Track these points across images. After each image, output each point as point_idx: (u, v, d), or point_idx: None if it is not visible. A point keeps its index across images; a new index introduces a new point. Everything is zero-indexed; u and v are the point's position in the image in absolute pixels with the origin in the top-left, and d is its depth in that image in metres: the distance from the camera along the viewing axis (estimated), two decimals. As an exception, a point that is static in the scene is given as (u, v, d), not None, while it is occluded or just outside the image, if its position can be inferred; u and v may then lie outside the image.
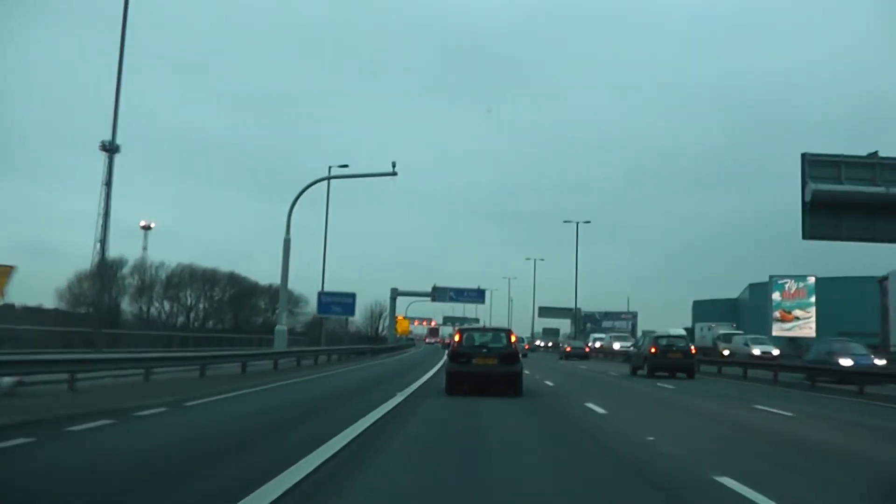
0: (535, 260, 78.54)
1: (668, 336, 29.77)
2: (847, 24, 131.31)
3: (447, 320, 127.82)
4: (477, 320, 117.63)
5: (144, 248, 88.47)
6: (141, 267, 76.51)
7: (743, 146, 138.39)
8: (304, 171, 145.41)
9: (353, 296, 38.60)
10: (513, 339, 16.60)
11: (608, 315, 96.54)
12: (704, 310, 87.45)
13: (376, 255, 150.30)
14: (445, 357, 20.01)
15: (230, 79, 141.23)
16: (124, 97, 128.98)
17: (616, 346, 51.69)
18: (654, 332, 31.72)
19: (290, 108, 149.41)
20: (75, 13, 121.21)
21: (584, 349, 53.52)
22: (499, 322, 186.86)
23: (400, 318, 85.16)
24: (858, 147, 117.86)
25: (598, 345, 55.75)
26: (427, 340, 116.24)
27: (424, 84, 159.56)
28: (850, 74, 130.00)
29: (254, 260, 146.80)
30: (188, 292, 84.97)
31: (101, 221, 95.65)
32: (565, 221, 69.44)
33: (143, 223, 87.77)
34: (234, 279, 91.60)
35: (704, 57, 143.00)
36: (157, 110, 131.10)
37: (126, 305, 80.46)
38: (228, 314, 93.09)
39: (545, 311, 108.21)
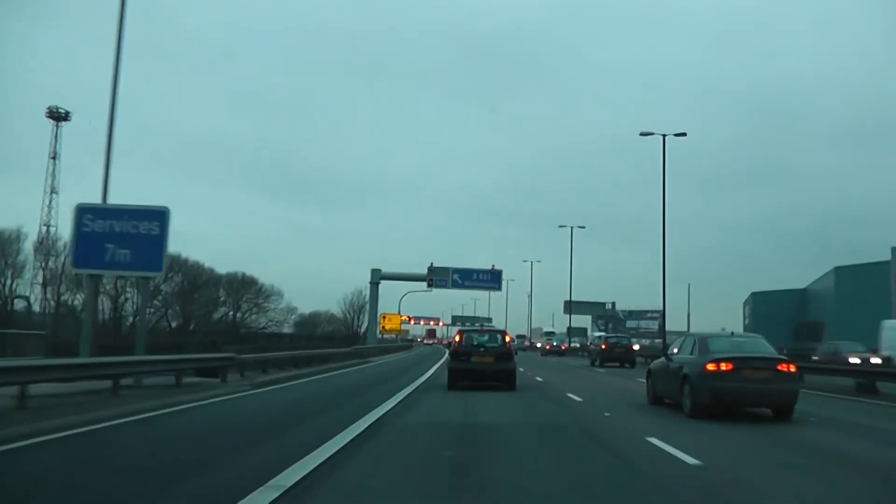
0: (571, 228, 57.04)
1: (616, 336, 41.56)
2: (868, 21, 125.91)
3: (456, 320, 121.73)
4: (489, 320, 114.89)
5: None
6: (43, 244, 56.92)
7: (761, 145, 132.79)
8: (309, 170, 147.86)
9: (161, 216, 14.93)
10: (507, 339, 18.97)
11: (633, 314, 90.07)
12: (766, 303, 74.36)
13: (382, 256, 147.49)
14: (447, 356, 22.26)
15: (233, 78, 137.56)
16: (131, 96, 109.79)
17: (576, 344, 67.43)
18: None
19: (295, 108, 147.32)
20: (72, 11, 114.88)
21: (561, 347, 64.83)
22: (518, 320, 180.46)
23: (390, 315, 64.80)
24: (876, 144, 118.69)
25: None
26: (425, 342, 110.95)
27: (434, 84, 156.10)
28: (869, 72, 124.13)
29: (250, 259, 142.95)
30: (117, 280, 65.31)
31: (47, 200, 78.22)
32: (643, 133, 35.76)
33: None
34: (178, 265, 72.31)
35: (721, 55, 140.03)
36: (159, 110, 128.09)
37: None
38: (174, 306, 74.06)
39: (571, 307, 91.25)
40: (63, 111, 78.57)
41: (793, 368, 12.27)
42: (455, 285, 51.74)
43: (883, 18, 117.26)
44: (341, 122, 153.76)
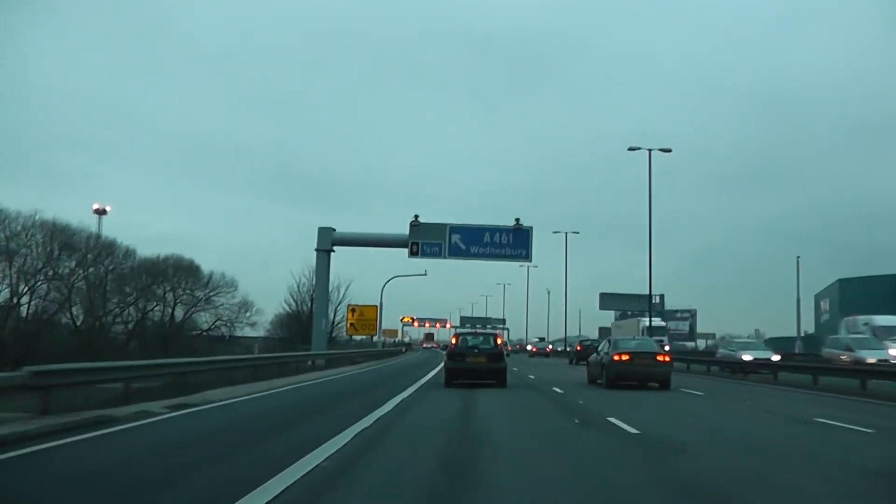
0: (650, 151, 34.45)
1: (590, 340, 45.20)
2: (879, 18, 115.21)
3: (465, 321, 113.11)
4: (502, 321, 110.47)
5: (98, 237, 59.48)
6: None
7: (770, 144, 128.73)
8: (310, 171, 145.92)
9: None
10: (499, 341, 20.57)
11: (662, 314, 76.09)
12: (857, 291, 62.61)
13: (386, 258, 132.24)
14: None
15: (235, 81, 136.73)
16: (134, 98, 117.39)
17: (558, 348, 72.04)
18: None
19: (296, 110, 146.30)
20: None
21: (546, 350, 71.02)
22: (539, 321, 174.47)
23: (364, 307, 43.32)
24: (889, 143, 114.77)
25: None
26: (424, 346, 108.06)
27: (437, 85, 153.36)
28: (885, 69, 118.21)
29: (250, 261, 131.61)
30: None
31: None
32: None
33: (96, 206, 67.43)
34: (79, 241, 53.09)
35: (735, 52, 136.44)
36: (165, 112, 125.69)
37: None
38: (78, 297, 54.47)
39: (608, 300, 75.94)
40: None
41: (667, 359, 20.38)
42: (455, 253, 31.76)
43: (893, 14, 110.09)
44: (342, 124, 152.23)
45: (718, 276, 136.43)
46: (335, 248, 32.26)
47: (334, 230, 32.03)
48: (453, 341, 20.39)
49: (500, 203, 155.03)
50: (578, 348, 40.22)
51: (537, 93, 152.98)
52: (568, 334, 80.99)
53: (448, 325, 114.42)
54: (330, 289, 51.20)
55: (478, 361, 18.73)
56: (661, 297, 79.79)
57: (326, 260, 32.06)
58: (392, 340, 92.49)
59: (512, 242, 31.45)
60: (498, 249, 31.63)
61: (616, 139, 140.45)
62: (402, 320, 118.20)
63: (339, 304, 47.41)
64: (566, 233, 54.77)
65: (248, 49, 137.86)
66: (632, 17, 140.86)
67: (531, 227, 31.73)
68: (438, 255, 31.62)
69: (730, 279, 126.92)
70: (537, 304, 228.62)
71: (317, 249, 32.04)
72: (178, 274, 62.09)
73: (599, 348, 22.47)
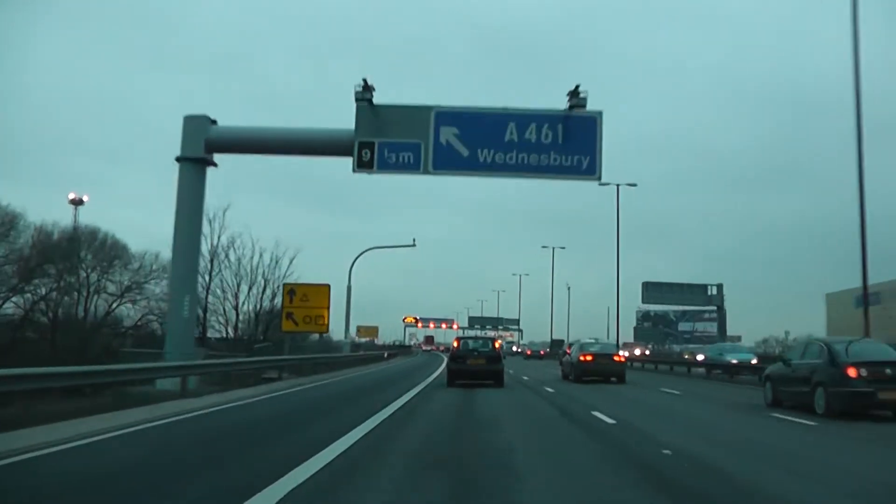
0: None
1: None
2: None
3: (473, 322, 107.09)
4: (516, 322, 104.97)
5: (75, 229, 53.04)
6: None
7: (792, 144, 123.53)
8: (320, 174, 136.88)
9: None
10: (497, 345, 21.94)
11: (686, 315, 75.98)
12: None
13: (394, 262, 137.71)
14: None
15: (236, 82, 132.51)
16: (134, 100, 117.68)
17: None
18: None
19: (303, 111, 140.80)
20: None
21: (540, 352, 71.69)
22: (563, 320, 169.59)
23: (310, 287, 25.86)
24: None
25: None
26: (423, 348, 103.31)
27: (446, 85, 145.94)
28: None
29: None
30: None
31: None
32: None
33: (72, 196, 61.65)
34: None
35: (752, 52, 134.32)
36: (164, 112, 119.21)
37: None
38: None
39: (654, 291, 65.44)
40: None
41: (623, 359, 25.85)
42: (448, 165, 15.40)
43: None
44: (341, 124, 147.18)
45: (732, 277, 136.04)
46: (216, 155, 16.83)
47: (213, 122, 16.56)
48: (455, 344, 22.28)
49: (500, 207, 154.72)
50: (568, 350, 42.33)
51: (540, 92, 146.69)
52: (601, 335, 67.41)
53: (455, 326, 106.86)
54: (267, 259, 35.56)
55: (477, 363, 20.10)
56: (720, 286, 66.11)
57: (198, 178, 16.33)
58: (378, 342, 79.59)
59: (562, 142, 15.12)
60: (535, 155, 15.45)
61: (623, 140, 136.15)
62: (404, 320, 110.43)
63: (279, 284, 32.00)
64: (618, 185, 38.99)
65: (249, 49, 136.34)
66: (639, 18, 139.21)
67: (600, 113, 15.79)
68: (413, 166, 15.53)
69: (746, 279, 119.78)
70: (555, 302, 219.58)
71: (179, 158, 16.46)
72: (94, 253, 47.42)
73: (571, 350, 27.95)
